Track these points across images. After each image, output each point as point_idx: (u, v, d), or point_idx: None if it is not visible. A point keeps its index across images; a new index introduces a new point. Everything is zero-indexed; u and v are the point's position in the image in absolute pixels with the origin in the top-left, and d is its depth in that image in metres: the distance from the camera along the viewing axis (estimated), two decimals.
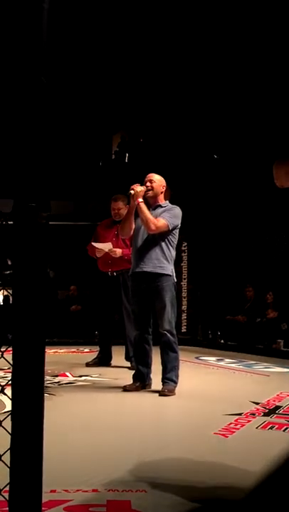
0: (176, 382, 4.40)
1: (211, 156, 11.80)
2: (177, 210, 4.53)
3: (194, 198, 9.87)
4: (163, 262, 4.43)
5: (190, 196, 9.62)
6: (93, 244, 5.71)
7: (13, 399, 1.45)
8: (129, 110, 13.96)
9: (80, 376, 5.17)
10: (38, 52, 1.50)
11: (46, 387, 4.46)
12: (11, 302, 1.51)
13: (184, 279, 9.42)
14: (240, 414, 3.61)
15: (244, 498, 2.17)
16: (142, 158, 13.08)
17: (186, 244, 9.39)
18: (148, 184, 4.54)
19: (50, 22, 1.53)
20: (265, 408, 3.83)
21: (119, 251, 5.60)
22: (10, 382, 1.46)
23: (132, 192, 4.42)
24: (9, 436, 1.45)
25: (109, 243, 5.65)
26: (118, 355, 5.88)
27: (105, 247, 5.63)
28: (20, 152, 1.48)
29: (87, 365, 5.83)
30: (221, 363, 6.50)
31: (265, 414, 3.63)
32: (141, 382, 4.52)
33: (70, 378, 5.07)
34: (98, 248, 5.65)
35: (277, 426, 3.31)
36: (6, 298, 10.21)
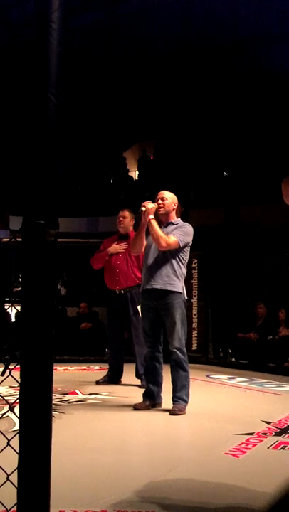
0: (186, 401, 4.35)
1: (220, 173, 11.85)
2: (189, 228, 4.51)
3: (204, 215, 9.88)
4: (173, 279, 4.41)
5: (200, 213, 9.63)
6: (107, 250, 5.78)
7: (21, 417, 1.44)
8: (141, 128, 14.08)
9: (90, 394, 5.14)
10: (48, 73, 1.51)
11: (56, 405, 4.44)
12: None
13: (195, 296, 9.37)
14: (251, 433, 3.56)
15: None
16: (152, 175, 13.16)
17: (196, 261, 9.35)
18: (160, 202, 4.53)
19: (64, 46, 1.54)
20: (276, 428, 3.78)
21: (114, 246, 5.73)
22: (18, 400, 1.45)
23: (143, 209, 4.42)
24: (17, 455, 1.43)
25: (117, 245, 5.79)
26: (128, 373, 5.84)
27: (115, 248, 5.77)
28: (29, 171, 1.49)
29: (98, 383, 5.79)
30: (232, 382, 6.43)
31: (277, 434, 3.58)
32: (151, 400, 4.48)
33: (80, 396, 5.04)
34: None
35: None
36: (18, 315, 10.19)
